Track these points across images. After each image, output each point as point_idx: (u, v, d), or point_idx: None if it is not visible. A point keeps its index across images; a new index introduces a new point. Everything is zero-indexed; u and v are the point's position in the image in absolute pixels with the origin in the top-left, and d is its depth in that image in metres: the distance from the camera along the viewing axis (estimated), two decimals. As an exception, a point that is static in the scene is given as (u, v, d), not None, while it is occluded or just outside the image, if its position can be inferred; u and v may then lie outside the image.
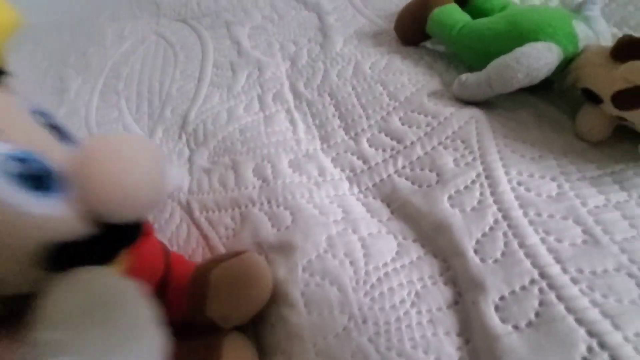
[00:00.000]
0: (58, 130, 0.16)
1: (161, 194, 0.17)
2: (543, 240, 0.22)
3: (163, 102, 0.44)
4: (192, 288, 0.23)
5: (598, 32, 0.30)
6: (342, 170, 0.31)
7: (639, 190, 0.23)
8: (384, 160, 0.29)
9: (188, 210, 0.31)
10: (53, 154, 0.15)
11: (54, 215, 0.14)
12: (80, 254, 0.15)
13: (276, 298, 0.24)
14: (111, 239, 0.16)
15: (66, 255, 0.14)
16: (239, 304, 0.22)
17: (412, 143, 0.29)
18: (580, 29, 0.27)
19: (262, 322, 0.24)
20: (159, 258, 0.24)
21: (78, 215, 0.15)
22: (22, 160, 0.14)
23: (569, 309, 0.19)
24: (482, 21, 0.32)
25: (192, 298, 0.23)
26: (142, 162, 0.15)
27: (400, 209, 0.27)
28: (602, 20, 0.32)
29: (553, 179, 0.25)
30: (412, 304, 0.22)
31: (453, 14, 0.33)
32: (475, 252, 0.22)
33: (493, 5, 0.34)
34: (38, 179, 0.14)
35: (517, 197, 0.24)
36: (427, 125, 0.30)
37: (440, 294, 0.22)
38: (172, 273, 0.24)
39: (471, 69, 0.31)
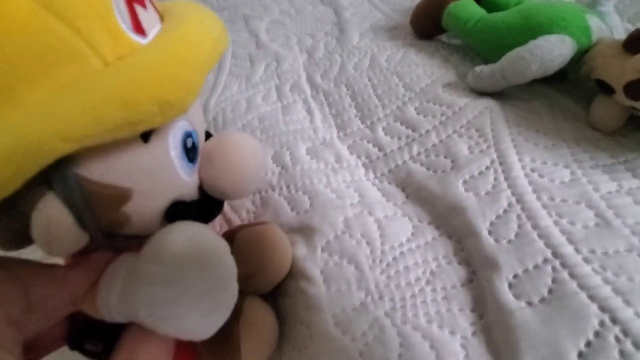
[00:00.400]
0: None
1: (258, 185, 0.22)
2: (556, 223, 0.23)
3: (183, 93, 0.45)
4: None
5: (611, 26, 0.31)
6: (358, 157, 0.32)
7: (651, 177, 0.24)
8: (399, 148, 0.30)
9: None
10: (201, 137, 0.20)
11: (189, 181, 0.18)
12: (187, 212, 0.18)
13: (296, 274, 0.25)
14: (208, 208, 0.20)
15: (179, 211, 0.18)
16: (261, 265, 0.24)
17: (427, 131, 0.30)
18: (593, 22, 0.28)
19: (281, 295, 0.25)
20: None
21: (197, 183, 0.19)
22: (191, 136, 0.18)
23: (581, 286, 0.20)
24: (497, 15, 0.32)
25: None
26: (251, 158, 0.20)
27: (415, 193, 0.28)
28: (615, 15, 0.32)
29: (566, 167, 0.25)
30: (427, 282, 0.23)
31: (469, 8, 0.34)
32: (489, 233, 0.23)
33: (508, -1, 0.35)
34: (193, 153, 0.18)
35: (530, 183, 0.25)
36: (442, 114, 0.31)
37: (455, 273, 0.23)
38: None
39: (487, 61, 0.32)
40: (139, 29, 0.15)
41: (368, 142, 0.32)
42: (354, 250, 0.25)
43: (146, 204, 0.16)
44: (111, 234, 0.17)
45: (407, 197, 0.28)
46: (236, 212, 0.31)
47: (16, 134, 0.12)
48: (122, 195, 0.15)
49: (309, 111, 0.37)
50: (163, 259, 0.15)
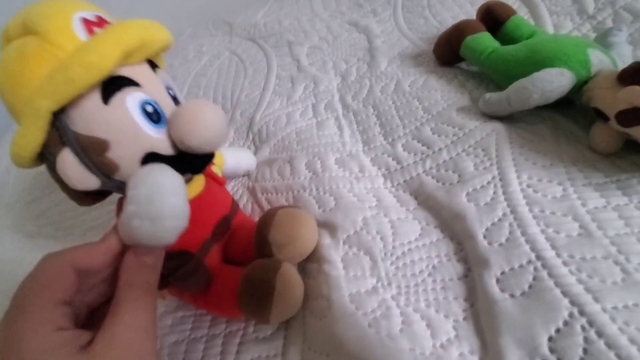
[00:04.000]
0: (174, 97, 0.27)
1: (218, 138, 0.25)
2: (543, 231, 0.26)
3: (234, 107, 0.53)
4: (262, 219, 0.31)
5: (622, 56, 0.34)
6: (379, 168, 0.37)
7: (640, 196, 0.26)
8: (415, 162, 0.35)
9: (253, 192, 0.39)
10: (166, 105, 0.25)
11: (158, 138, 0.24)
12: (160, 162, 0.23)
13: (320, 258, 0.30)
14: (182, 161, 0.25)
15: (151, 160, 0.24)
16: (293, 237, 0.30)
17: (439, 149, 0.35)
18: (594, 55, 0.31)
19: (307, 276, 0.31)
20: (226, 201, 0.33)
21: (169, 141, 0.25)
22: (150, 104, 0.24)
23: (557, 284, 0.24)
24: (508, 48, 0.37)
25: (260, 226, 0.31)
26: (204, 114, 0.25)
27: (425, 201, 0.32)
28: (627, 45, 0.36)
29: (559, 184, 0.29)
30: (429, 274, 0.28)
31: (484, 41, 0.39)
32: (484, 237, 0.27)
33: (522, 32, 0.39)
34: (156, 116, 0.24)
35: (525, 197, 0.29)
36: (454, 135, 0.35)
37: (453, 268, 0.28)
38: (237, 217, 0.33)
39: (499, 88, 0.36)
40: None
41: (388, 156, 0.37)
42: (369, 244, 0.30)
43: (123, 152, 0.23)
44: (113, 179, 0.24)
45: (418, 204, 0.33)
46: (272, 206, 0.37)
47: (27, 102, 0.22)
48: (101, 144, 0.23)
49: (340, 127, 0.42)
50: (129, 185, 0.21)
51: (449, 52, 0.43)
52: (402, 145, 0.37)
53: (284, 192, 0.38)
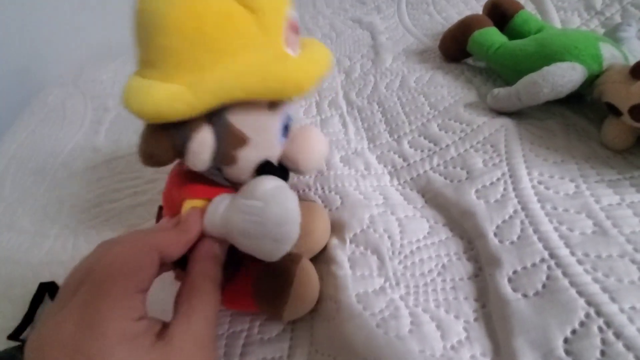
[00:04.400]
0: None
1: (321, 165, 0.30)
2: (556, 229, 0.26)
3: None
4: None
5: (632, 51, 0.33)
6: (385, 166, 0.36)
7: (655, 193, 0.26)
8: (422, 159, 0.35)
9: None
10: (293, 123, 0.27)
11: (278, 149, 0.26)
12: (271, 172, 0.25)
13: (327, 259, 0.30)
14: (283, 173, 0.27)
15: (266, 168, 0.25)
16: (308, 230, 0.29)
17: (447, 146, 0.34)
18: (606, 49, 0.31)
19: None
20: None
21: (279, 154, 0.27)
22: (290, 120, 0.26)
23: (572, 283, 0.23)
24: (516, 43, 0.36)
25: None
26: (320, 143, 0.28)
27: (433, 199, 0.32)
28: (637, 41, 0.35)
29: (572, 180, 0.28)
30: (439, 274, 0.27)
31: (491, 36, 0.38)
32: (495, 235, 0.27)
33: (530, 27, 0.38)
34: (286, 131, 0.26)
35: (536, 193, 0.28)
36: (462, 131, 0.34)
37: (463, 268, 0.27)
38: None
39: (507, 83, 0.35)
40: (288, 45, 0.23)
41: (394, 153, 0.36)
42: (377, 242, 0.29)
43: (252, 153, 0.24)
44: (219, 169, 0.25)
45: (425, 202, 0.32)
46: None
47: (219, 81, 0.20)
48: (244, 141, 0.23)
49: (344, 125, 0.42)
50: (255, 194, 0.22)
51: (455, 47, 0.42)
52: (409, 142, 0.37)
53: (289, 191, 0.37)
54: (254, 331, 0.30)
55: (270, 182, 0.22)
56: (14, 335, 0.36)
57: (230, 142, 0.23)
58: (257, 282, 0.27)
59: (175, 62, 0.20)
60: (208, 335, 0.20)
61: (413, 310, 0.26)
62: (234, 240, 0.23)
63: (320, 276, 0.30)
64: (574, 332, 0.21)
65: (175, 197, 0.27)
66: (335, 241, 0.31)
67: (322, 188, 0.35)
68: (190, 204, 0.25)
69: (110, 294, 0.17)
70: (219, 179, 0.25)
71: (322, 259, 0.30)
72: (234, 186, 0.26)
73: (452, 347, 0.23)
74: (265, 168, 0.25)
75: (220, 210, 0.23)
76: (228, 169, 0.25)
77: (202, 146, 0.22)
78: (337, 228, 0.31)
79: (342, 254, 0.29)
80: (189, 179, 0.26)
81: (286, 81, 0.22)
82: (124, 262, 0.18)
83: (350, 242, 0.30)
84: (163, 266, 0.21)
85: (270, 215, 0.21)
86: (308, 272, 0.27)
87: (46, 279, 0.41)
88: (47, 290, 0.40)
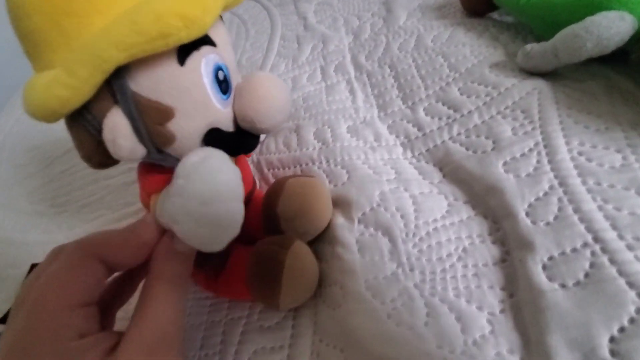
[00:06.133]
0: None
1: (285, 117, 0.23)
2: (600, 208, 0.22)
3: (233, 72, 0.48)
4: (270, 189, 0.28)
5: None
6: (397, 136, 0.32)
7: None
8: (439, 128, 0.30)
9: (258, 167, 0.36)
10: (234, 74, 0.22)
11: (224, 112, 0.21)
12: (223, 141, 0.22)
13: (332, 240, 0.26)
14: (242, 140, 0.23)
15: (215, 138, 0.21)
16: (303, 210, 0.26)
17: (469, 112, 0.30)
18: (665, -5, 0.26)
19: (318, 259, 0.27)
20: (249, 178, 0.29)
21: (231, 116, 0.22)
22: (222, 69, 0.21)
23: (620, 272, 0.19)
24: (555, -11, 0.30)
25: (268, 197, 0.28)
26: (275, 90, 0.22)
27: (453, 173, 0.28)
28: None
29: (618, 151, 0.24)
30: (459, 258, 0.24)
31: (524, -17, 0.33)
32: (527, 214, 0.23)
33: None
34: (226, 85, 0.21)
35: (576, 166, 0.24)
36: (487, 95, 0.30)
37: (488, 252, 0.23)
38: (255, 193, 0.30)
39: (539, 39, 0.30)
40: None
41: (408, 122, 0.32)
42: (388, 222, 0.26)
43: (187, 124, 0.20)
44: (162, 152, 0.21)
45: (444, 176, 0.28)
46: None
47: (86, 47, 0.17)
48: (166, 111, 0.19)
49: (352, 91, 0.38)
50: (179, 172, 0.18)
51: (478, 0, 0.36)
52: (424, 109, 0.32)
53: (291, 166, 0.34)
54: (254, 317, 0.28)
55: (195, 155, 0.18)
56: (4, 320, 0.34)
57: (150, 117, 0.19)
58: (248, 270, 0.24)
59: (44, 43, 0.18)
60: (166, 341, 0.18)
61: (429, 300, 0.22)
62: (173, 231, 0.19)
63: (325, 258, 0.27)
64: (622, 329, 0.18)
65: (142, 192, 0.24)
66: (341, 221, 0.27)
67: (327, 161, 0.31)
68: (155, 199, 0.22)
69: (42, 315, 0.16)
70: (171, 163, 0.21)
71: (326, 239, 0.27)
72: None
73: (475, 343, 0.20)
74: (213, 138, 0.21)
75: (161, 198, 0.20)
76: (171, 150, 0.21)
77: (116, 132, 0.19)
78: (343, 206, 0.28)
79: (350, 235, 0.26)
80: (150, 169, 0.23)
81: (164, 16, 0.17)
82: (59, 278, 0.17)
83: (359, 222, 0.27)
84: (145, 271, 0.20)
85: (193, 193, 0.17)
86: (301, 258, 0.24)
87: (39, 259, 0.39)
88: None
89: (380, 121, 0.34)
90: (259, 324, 0.27)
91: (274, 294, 0.24)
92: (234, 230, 0.19)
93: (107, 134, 0.19)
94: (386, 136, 0.32)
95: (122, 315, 0.23)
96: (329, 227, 0.28)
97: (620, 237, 0.20)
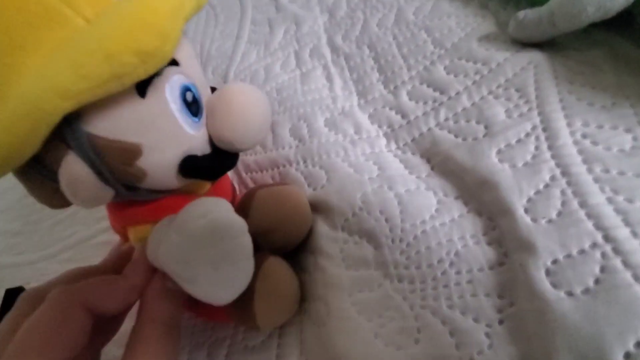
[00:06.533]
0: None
1: (264, 133, 0.21)
2: (610, 200, 0.19)
3: (204, 63, 0.44)
4: (240, 202, 0.26)
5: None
6: (380, 126, 0.29)
7: None
8: (425, 114, 0.27)
9: (236, 171, 0.33)
10: (203, 90, 0.20)
11: (197, 136, 0.19)
12: (200, 166, 0.19)
13: (315, 250, 0.24)
14: (220, 161, 0.20)
15: (191, 165, 0.19)
16: (278, 222, 0.24)
17: (457, 94, 0.27)
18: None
19: (301, 270, 0.25)
20: (228, 185, 0.27)
21: (206, 137, 0.20)
22: (190, 90, 0.18)
23: (636, 277, 0.17)
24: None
25: (238, 211, 0.25)
26: (252, 105, 0.20)
27: (441, 165, 0.25)
28: None
29: (628, 130, 0.21)
30: (451, 264, 0.21)
31: (513, -61, 0.29)
32: (526, 211, 0.20)
33: None
34: (196, 107, 0.19)
35: (580, 152, 0.21)
36: (476, 73, 0.27)
37: (483, 254, 0.21)
38: (235, 204, 0.27)
39: (534, 5, 0.27)
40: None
41: (390, 109, 0.29)
42: (372, 228, 0.23)
43: (158, 158, 0.18)
44: (134, 188, 0.19)
45: (432, 168, 0.25)
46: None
47: (22, 97, 0.14)
48: (132, 150, 0.17)
49: (329, 78, 0.34)
50: (182, 230, 0.17)
51: (464, -37, 0.32)
52: (408, 93, 0.29)
53: (268, 169, 0.31)
54: (238, 337, 0.26)
55: (197, 216, 0.17)
56: None
57: (113, 159, 0.16)
58: (229, 307, 0.22)
59: None
60: None
61: (420, 313, 0.20)
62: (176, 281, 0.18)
63: (308, 270, 0.25)
64: (638, 344, 0.16)
65: (114, 222, 0.22)
66: (323, 229, 0.25)
67: (305, 162, 0.29)
68: (134, 233, 0.20)
69: None
70: (145, 196, 0.19)
71: (308, 249, 0.25)
72: (180, 192, 0.21)
73: (472, 360, 0.18)
74: (189, 166, 0.19)
75: (154, 243, 0.18)
76: (145, 184, 0.18)
77: (75, 181, 0.16)
78: (325, 212, 0.25)
79: (333, 245, 0.24)
80: (120, 202, 0.20)
81: (115, 55, 0.14)
82: (40, 333, 0.16)
83: (342, 229, 0.24)
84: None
85: (201, 256, 0.17)
86: (273, 278, 0.22)
87: (14, 283, 0.37)
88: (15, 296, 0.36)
89: (360, 110, 0.31)
90: (243, 344, 0.26)
91: (250, 317, 0.22)
92: (244, 286, 0.18)
93: (65, 186, 0.16)
94: (367, 127, 0.29)
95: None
96: (310, 236, 0.26)
97: (635, 234, 0.18)
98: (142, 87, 0.16)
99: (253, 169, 0.32)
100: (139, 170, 0.17)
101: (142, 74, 0.15)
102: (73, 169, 0.16)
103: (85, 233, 0.38)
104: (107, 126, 0.16)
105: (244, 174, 0.33)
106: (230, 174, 0.33)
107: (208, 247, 0.17)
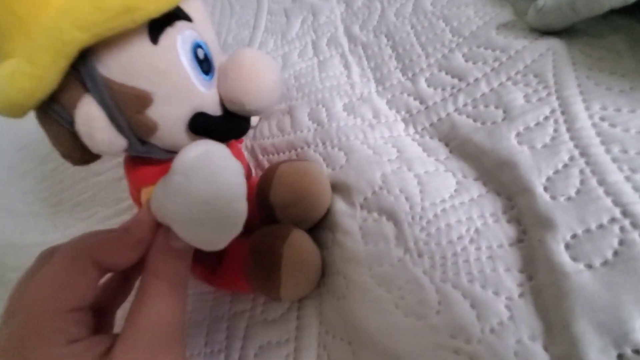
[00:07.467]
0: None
1: (275, 98, 0.21)
2: (628, 178, 0.20)
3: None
4: (262, 177, 0.26)
5: None
6: (398, 112, 0.30)
7: None
8: (443, 99, 0.28)
9: (253, 153, 0.34)
10: (215, 51, 0.21)
11: (208, 94, 0.20)
12: (211, 126, 0.20)
13: (333, 226, 0.25)
14: (231, 124, 0.21)
15: (202, 123, 0.20)
16: (298, 196, 0.24)
17: (476, 80, 0.27)
18: None
19: (320, 246, 0.25)
20: (244, 165, 0.27)
21: (217, 98, 0.20)
22: (201, 47, 0.19)
23: (654, 249, 0.17)
24: None
25: (260, 185, 0.26)
26: (263, 68, 0.21)
27: (460, 148, 0.25)
28: None
29: (646, 113, 0.22)
30: (471, 241, 0.22)
31: None
32: (545, 189, 0.21)
33: None
34: (207, 65, 0.20)
35: (598, 133, 0.22)
36: (495, 60, 0.27)
37: (502, 232, 0.22)
38: (251, 181, 0.28)
39: (552, -7, 0.27)
40: None
41: (409, 95, 0.30)
42: (392, 206, 0.24)
43: (168, 110, 0.18)
44: (146, 143, 0.19)
45: (450, 151, 0.26)
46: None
47: (46, 30, 0.15)
48: (143, 97, 0.17)
49: (346, 66, 0.35)
50: (177, 169, 0.17)
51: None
52: (426, 80, 0.30)
53: (285, 151, 0.32)
54: (257, 311, 0.27)
55: (193, 150, 0.17)
56: None
57: (126, 105, 0.17)
58: (246, 263, 0.23)
59: (1, 31, 0.16)
60: (162, 341, 0.17)
61: (440, 286, 0.21)
62: (173, 229, 0.18)
63: (326, 246, 0.25)
64: (657, 311, 0.16)
65: (131, 188, 0.23)
66: (342, 206, 0.26)
67: (324, 144, 0.29)
68: (146, 193, 0.20)
69: (34, 320, 0.16)
70: (158, 154, 0.20)
71: (327, 226, 0.25)
72: None
73: (492, 330, 0.19)
74: (199, 123, 0.19)
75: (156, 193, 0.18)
76: (155, 140, 0.19)
77: (91, 123, 0.17)
78: (343, 191, 0.26)
79: (352, 222, 0.24)
80: (137, 162, 0.21)
81: None
82: (51, 282, 0.16)
83: (361, 207, 0.25)
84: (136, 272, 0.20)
85: (193, 192, 0.16)
86: (300, 248, 0.23)
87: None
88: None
89: (378, 96, 0.31)
90: (263, 317, 0.26)
91: (274, 287, 0.22)
92: (237, 229, 0.18)
93: (81, 127, 0.17)
94: (385, 112, 0.30)
95: (123, 315, 0.22)
96: (329, 214, 0.26)
97: (652, 209, 0.18)
98: (154, 35, 0.17)
99: (270, 152, 0.33)
100: (150, 121, 0.18)
101: (152, 11, 0.16)
102: (89, 110, 0.17)
103: (105, 213, 0.39)
104: (120, 70, 0.17)
105: (260, 157, 0.33)
106: (247, 156, 0.34)
107: (203, 183, 0.17)
